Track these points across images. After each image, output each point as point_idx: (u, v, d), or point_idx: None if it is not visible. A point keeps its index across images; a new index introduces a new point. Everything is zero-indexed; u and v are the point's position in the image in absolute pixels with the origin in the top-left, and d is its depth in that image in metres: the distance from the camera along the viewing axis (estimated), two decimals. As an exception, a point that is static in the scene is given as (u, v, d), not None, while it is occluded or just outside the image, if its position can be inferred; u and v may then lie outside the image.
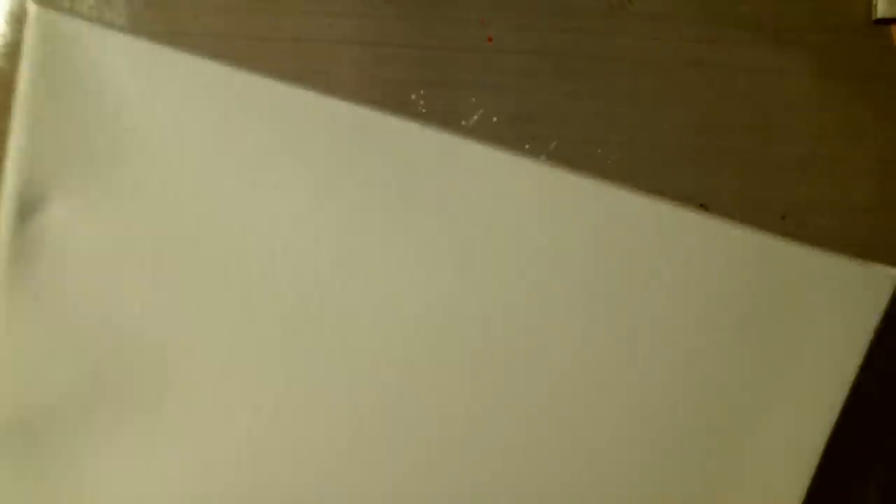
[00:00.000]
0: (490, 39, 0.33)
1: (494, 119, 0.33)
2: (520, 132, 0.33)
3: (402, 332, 0.23)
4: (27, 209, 0.19)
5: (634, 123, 0.34)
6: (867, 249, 0.34)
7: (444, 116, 0.33)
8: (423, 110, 0.33)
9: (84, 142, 0.20)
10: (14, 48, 0.33)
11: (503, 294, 0.23)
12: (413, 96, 0.33)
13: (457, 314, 0.23)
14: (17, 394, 0.19)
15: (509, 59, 0.34)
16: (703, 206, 0.33)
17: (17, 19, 0.33)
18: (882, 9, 0.33)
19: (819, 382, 0.25)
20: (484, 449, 0.24)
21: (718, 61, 0.34)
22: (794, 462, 0.25)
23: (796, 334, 0.25)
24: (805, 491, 0.26)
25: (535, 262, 0.24)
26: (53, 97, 0.20)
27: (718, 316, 0.24)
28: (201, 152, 0.20)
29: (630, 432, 0.24)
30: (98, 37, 0.20)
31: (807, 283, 0.25)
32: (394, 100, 0.33)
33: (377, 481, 0.23)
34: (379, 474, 0.23)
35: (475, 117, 0.33)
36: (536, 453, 0.24)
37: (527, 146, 0.33)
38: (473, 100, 0.33)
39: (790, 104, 0.34)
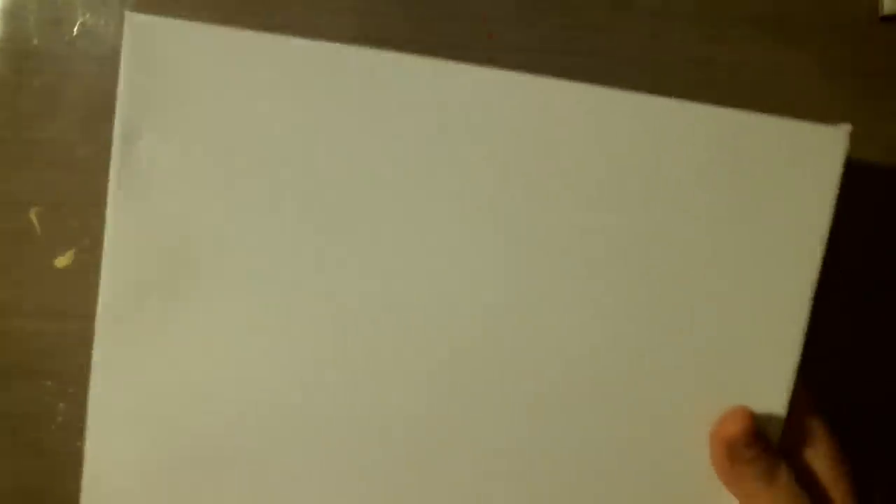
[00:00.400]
0: (491, 36, 0.33)
1: (495, 117, 0.33)
2: (520, 131, 0.33)
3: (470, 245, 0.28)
4: (129, 137, 0.27)
5: (636, 122, 0.34)
6: (868, 247, 0.34)
7: (444, 114, 0.33)
8: (423, 108, 0.33)
9: (170, 101, 0.28)
10: (15, 48, 0.33)
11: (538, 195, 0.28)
12: (412, 94, 0.33)
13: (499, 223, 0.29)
14: (123, 272, 0.28)
15: (510, 56, 0.33)
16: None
17: (11, 15, 0.33)
18: (888, 6, 0.33)
19: (798, 236, 0.28)
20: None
21: (721, 59, 0.33)
22: (788, 314, 0.28)
23: (770, 197, 0.27)
24: (801, 345, 0.28)
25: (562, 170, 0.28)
26: (147, 73, 0.27)
27: (702, 191, 0.28)
28: (259, 112, 0.28)
29: (649, 293, 0.28)
30: (180, 28, 0.28)
31: (770, 148, 0.27)
32: (393, 98, 0.33)
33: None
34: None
35: (475, 115, 0.33)
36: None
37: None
38: (473, 98, 0.33)
39: (794, 102, 0.34)
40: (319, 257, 0.29)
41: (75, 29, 0.33)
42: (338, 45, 0.28)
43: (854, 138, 0.34)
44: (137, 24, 0.27)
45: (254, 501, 0.30)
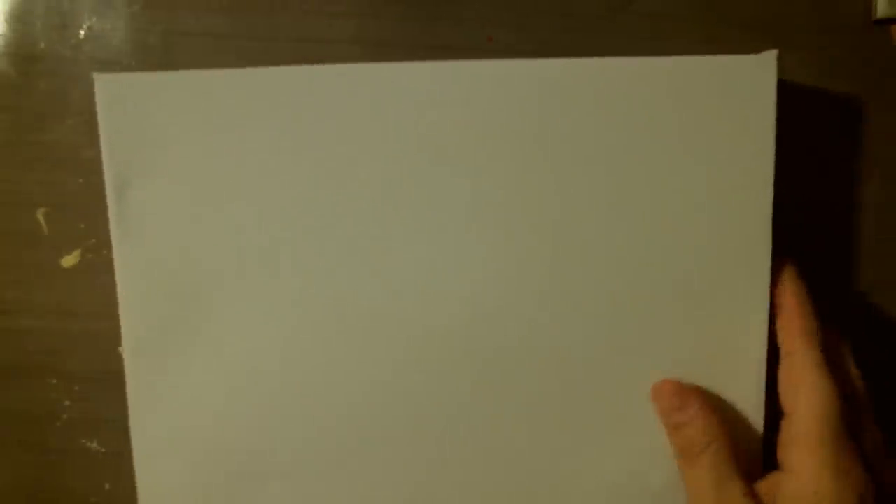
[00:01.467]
0: (490, 39, 0.33)
1: (494, 119, 0.33)
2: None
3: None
4: (120, 187, 0.29)
5: (634, 123, 0.34)
6: (868, 247, 0.35)
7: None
8: (423, 110, 0.33)
9: (148, 146, 0.29)
10: (21, 52, 0.33)
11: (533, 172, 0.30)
12: (413, 96, 0.33)
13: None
14: (139, 309, 0.30)
15: (509, 58, 0.34)
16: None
17: (18, 19, 0.33)
18: (882, 9, 0.33)
19: (748, 163, 0.29)
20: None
21: (718, 61, 0.34)
22: (753, 239, 0.29)
23: (717, 131, 0.29)
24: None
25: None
26: (125, 126, 0.29)
27: (653, 141, 0.29)
28: (235, 140, 0.29)
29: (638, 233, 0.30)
30: (146, 80, 0.30)
31: (707, 85, 0.29)
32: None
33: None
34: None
35: (475, 117, 0.33)
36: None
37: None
38: (473, 100, 0.33)
39: (790, 104, 0.34)
40: (318, 267, 0.30)
41: (81, 32, 0.33)
42: (298, 67, 0.29)
43: (849, 139, 0.34)
44: (107, 83, 0.29)
45: None
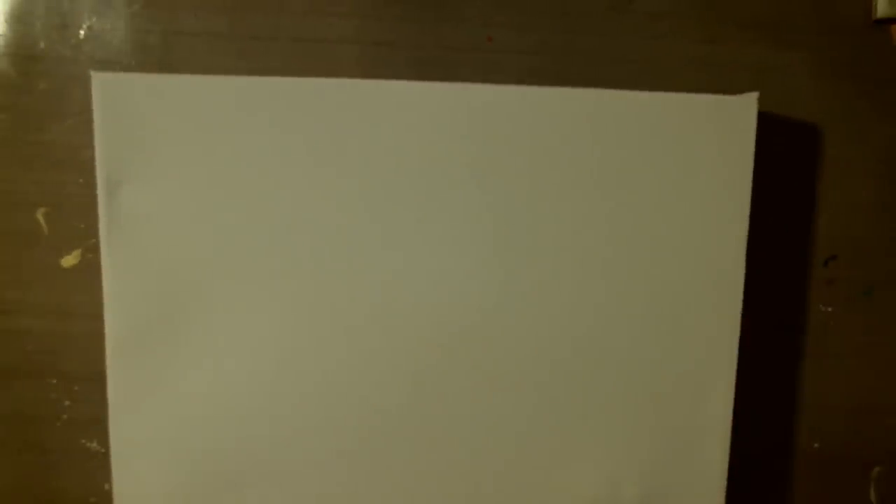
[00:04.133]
0: (490, 39, 0.34)
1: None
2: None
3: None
4: (111, 186, 0.30)
5: (634, 123, 0.34)
6: (868, 247, 0.35)
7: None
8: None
9: (142, 146, 0.30)
10: (22, 52, 0.33)
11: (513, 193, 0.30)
12: (413, 96, 0.33)
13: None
14: (129, 305, 0.30)
15: (509, 58, 0.34)
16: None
17: (18, 20, 0.33)
18: (882, 8, 0.33)
19: (726, 195, 0.30)
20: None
21: (718, 61, 0.34)
22: (726, 274, 0.31)
23: (697, 167, 0.30)
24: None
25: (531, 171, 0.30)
26: (120, 126, 0.30)
27: (633, 174, 0.30)
28: (229, 145, 0.30)
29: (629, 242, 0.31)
30: (144, 81, 0.30)
31: (691, 123, 0.30)
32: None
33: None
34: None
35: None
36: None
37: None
38: (473, 100, 0.33)
39: (790, 102, 0.34)
40: (306, 272, 0.30)
41: (81, 33, 0.33)
42: (294, 78, 0.30)
43: (849, 138, 0.34)
44: (104, 82, 0.29)
45: None
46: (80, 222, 0.34)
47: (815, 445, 0.35)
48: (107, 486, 0.34)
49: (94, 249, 0.34)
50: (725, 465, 0.31)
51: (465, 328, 0.30)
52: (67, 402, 0.35)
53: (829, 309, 0.35)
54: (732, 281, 0.30)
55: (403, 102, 0.30)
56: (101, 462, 0.34)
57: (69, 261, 0.34)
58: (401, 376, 0.30)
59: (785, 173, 0.34)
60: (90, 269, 0.34)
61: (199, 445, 0.30)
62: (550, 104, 0.30)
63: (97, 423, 0.34)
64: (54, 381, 0.35)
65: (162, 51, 0.33)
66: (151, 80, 0.30)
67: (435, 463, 0.31)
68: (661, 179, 0.30)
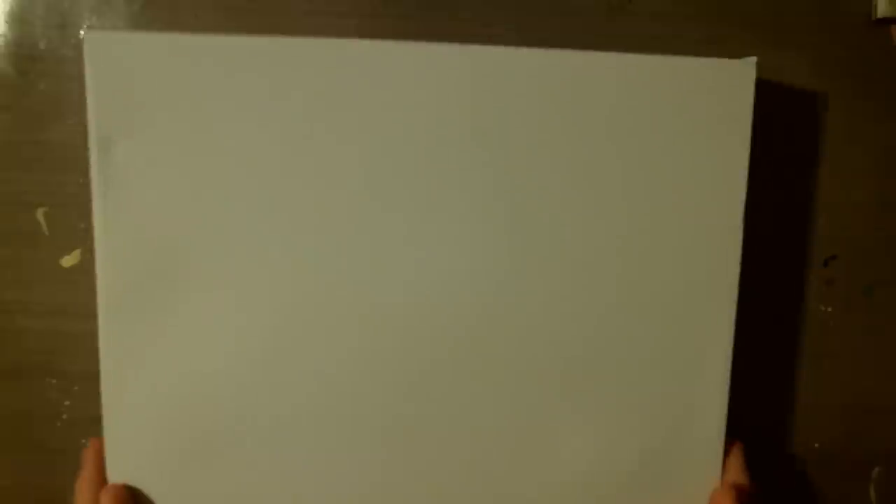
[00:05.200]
0: (491, 40, 0.34)
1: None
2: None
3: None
4: (103, 145, 0.29)
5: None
6: (868, 247, 0.35)
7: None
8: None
9: (134, 105, 0.29)
10: (22, 52, 0.33)
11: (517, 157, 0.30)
12: (413, 96, 0.33)
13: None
14: (120, 264, 0.30)
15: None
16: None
17: (18, 19, 0.33)
18: (882, 8, 0.33)
19: (723, 161, 0.30)
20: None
21: (718, 61, 0.34)
22: (722, 242, 0.30)
23: (694, 132, 0.30)
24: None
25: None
26: (111, 85, 0.29)
27: (632, 136, 0.30)
28: (223, 105, 0.29)
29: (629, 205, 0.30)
30: (135, 40, 0.29)
31: (690, 87, 0.30)
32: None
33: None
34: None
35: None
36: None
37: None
38: (473, 99, 0.33)
39: (790, 103, 0.34)
40: (301, 234, 0.30)
41: (81, 32, 0.33)
42: (291, 38, 0.29)
43: (849, 138, 0.34)
44: (95, 41, 0.29)
45: (262, 476, 0.31)
46: (80, 222, 0.34)
47: (815, 445, 0.35)
48: (107, 486, 0.34)
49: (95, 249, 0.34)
50: (722, 440, 0.31)
51: (464, 290, 0.30)
52: (67, 402, 0.35)
53: (829, 309, 0.35)
54: (730, 249, 0.30)
55: (402, 63, 0.29)
56: (102, 462, 0.35)
57: (69, 261, 0.34)
58: (395, 341, 0.30)
59: (784, 173, 0.34)
60: (90, 269, 0.33)
61: (193, 406, 0.30)
62: (547, 66, 0.29)
63: (97, 423, 0.34)
64: (54, 381, 0.35)
65: (162, 51, 0.33)
66: (144, 38, 0.29)
67: (427, 423, 0.31)
68: (659, 142, 0.30)
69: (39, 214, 0.34)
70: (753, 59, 0.29)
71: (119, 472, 0.31)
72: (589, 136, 0.30)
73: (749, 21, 0.33)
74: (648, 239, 0.30)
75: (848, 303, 0.35)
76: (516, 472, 0.31)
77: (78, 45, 0.33)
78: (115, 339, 0.30)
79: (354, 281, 0.30)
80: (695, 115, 0.30)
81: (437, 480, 0.31)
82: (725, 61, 0.30)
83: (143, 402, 0.30)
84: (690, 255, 0.30)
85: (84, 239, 0.34)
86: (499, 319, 0.30)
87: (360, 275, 0.30)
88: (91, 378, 0.34)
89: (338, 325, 0.30)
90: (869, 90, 0.34)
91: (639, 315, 0.30)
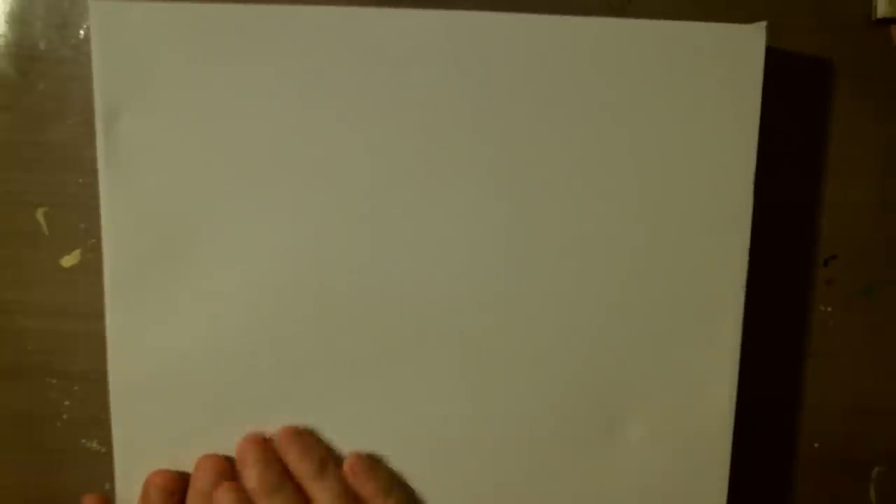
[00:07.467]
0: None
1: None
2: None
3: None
4: (109, 118, 0.29)
5: (634, 123, 0.34)
6: (868, 247, 0.35)
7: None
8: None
9: (141, 77, 0.29)
10: (22, 52, 0.33)
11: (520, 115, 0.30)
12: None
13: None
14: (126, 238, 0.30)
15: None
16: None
17: (18, 20, 0.33)
18: (882, 9, 0.33)
19: (733, 128, 0.30)
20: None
21: (718, 61, 0.34)
22: (733, 211, 0.30)
23: (704, 96, 0.30)
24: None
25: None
26: (117, 56, 0.29)
27: (642, 101, 0.30)
28: (230, 76, 0.29)
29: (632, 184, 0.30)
30: (142, 9, 0.29)
31: (698, 50, 0.30)
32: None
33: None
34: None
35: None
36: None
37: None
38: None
39: (790, 104, 0.34)
40: (307, 206, 0.30)
41: (81, 32, 0.33)
42: (298, 6, 0.29)
43: (849, 138, 0.34)
44: (102, 11, 0.29)
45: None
46: (80, 222, 0.34)
47: (815, 445, 0.35)
48: (107, 486, 0.34)
49: (95, 249, 0.34)
50: (732, 416, 0.31)
51: (469, 255, 0.30)
52: (67, 402, 0.35)
53: (829, 309, 0.35)
54: (741, 205, 0.30)
55: (408, 30, 0.29)
56: (102, 462, 0.34)
57: (69, 261, 0.34)
58: (400, 314, 0.30)
59: (784, 173, 0.34)
60: (90, 269, 0.34)
61: (200, 379, 0.30)
62: (553, 33, 0.29)
63: (97, 423, 0.34)
64: (54, 381, 0.35)
65: (162, 51, 0.33)
66: (150, 7, 0.29)
67: (438, 385, 0.31)
68: (668, 108, 0.30)
69: (39, 214, 0.34)
70: (763, 23, 0.29)
71: (127, 450, 0.31)
72: (594, 101, 0.30)
73: (749, 21, 0.33)
74: (655, 212, 0.30)
75: (848, 303, 0.35)
76: (516, 467, 0.31)
77: (78, 45, 0.33)
78: (120, 312, 0.30)
79: (360, 256, 0.30)
80: (704, 82, 0.30)
81: (440, 458, 0.31)
82: (734, 26, 0.30)
83: (151, 373, 0.30)
84: (699, 232, 0.30)
85: (84, 239, 0.34)
86: (502, 297, 0.30)
87: (365, 250, 0.30)
88: (91, 379, 0.34)
89: (345, 300, 0.30)
90: (869, 90, 0.34)
91: (644, 300, 0.30)
